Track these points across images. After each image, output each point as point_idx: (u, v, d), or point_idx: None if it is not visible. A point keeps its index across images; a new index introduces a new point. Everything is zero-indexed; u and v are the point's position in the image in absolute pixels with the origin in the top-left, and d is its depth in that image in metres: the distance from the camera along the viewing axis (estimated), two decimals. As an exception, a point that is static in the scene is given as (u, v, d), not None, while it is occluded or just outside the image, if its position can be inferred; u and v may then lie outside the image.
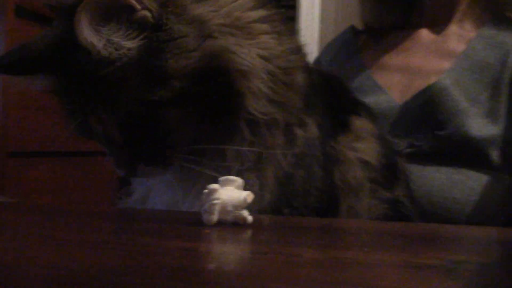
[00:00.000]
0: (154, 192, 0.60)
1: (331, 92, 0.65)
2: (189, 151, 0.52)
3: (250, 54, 0.51)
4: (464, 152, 0.80)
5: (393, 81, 0.91)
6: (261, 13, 0.54)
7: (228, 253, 0.34)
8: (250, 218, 0.42)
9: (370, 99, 0.81)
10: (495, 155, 0.80)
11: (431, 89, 0.82)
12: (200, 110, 0.51)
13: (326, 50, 1.15)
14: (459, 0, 0.92)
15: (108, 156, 0.55)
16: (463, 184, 0.80)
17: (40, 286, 0.25)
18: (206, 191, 0.42)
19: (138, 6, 0.47)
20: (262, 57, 0.52)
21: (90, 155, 1.94)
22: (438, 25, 0.94)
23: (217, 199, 0.41)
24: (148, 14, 0.47)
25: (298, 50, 0.60)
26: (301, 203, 0.56)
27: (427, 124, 0.82)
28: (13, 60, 0.52)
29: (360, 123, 0.65)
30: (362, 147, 0.64)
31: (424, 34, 0.96)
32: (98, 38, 0.47)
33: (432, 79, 0.85)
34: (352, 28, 1.10)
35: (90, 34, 0.46)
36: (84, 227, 0.44)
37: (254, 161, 0.53)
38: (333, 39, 1.15)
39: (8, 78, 0.55)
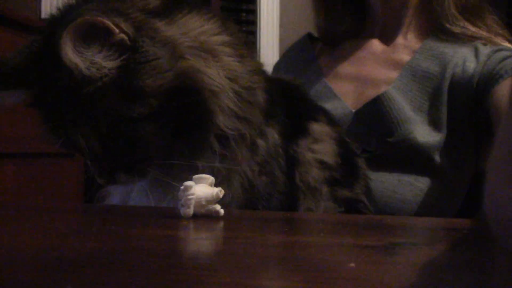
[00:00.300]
0: (132, 198, 0.63)
1: (291, 100, 0.70)
2: (164, 164, 0.57)
3: (219, 75, 0.56)
4: (411, 157, 0.84)
5: (347, 89, 0.94)
6: (224, 38, 0.60)
7: (204, 238, 0.40)
8: (222, 211, 0.48)
9: (327, 106, 0.85)
10: (439, 159, 0.84)
11: (380, 99, 0.85)
12: (174, 125, 0.55)
13: (285, 56, 1.17)
14: (405, 12, 0.94)
15: (89, 166, 0.57)
16: (411, 185, 0.84)
17: (38, 269, 0.29)
18: (182, 187, 0.47)
19: (116, 30, 0.51)
20: (228, 78, 0.57)
21: (55, 157, 1.94)
22: (388, 35, 0.97)
23: (192, 194, 0.47)
24: (125, 37, 0.52)
25: (259, 71, 0.65)
26: (264, 206, 0.62)
27: (378, 131, 0.85)
28: None
29: (317, 127, 0.70)
30: (320, 148, 0.68)
31: (375, 44, 0.98)
32: (81, 59, 0.51)
33: (382, 89, 0.88)
34: (309, 35, 1.12)
35: (74, 56, 0.50)
36: (68, 220, 0.49)
37: (225, 174, 0.58)
38: (291, 46, 1.17)
39: None
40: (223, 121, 0.57)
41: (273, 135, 0.64)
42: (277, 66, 1.17)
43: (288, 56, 1.15)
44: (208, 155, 0.57)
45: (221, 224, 0.46)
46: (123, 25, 0.52)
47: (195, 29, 0.57)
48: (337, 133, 0.73)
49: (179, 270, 0.29)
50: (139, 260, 0.31)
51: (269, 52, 2.65)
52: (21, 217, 0.52)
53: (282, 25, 2.70)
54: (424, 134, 0.83)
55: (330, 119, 0.76)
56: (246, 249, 0.35)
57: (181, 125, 0.56)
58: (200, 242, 0.39)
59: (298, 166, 0.66)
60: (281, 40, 2.68)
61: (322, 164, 0.68)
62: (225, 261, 0.32)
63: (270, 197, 0.63)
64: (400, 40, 0.96)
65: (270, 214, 0.57)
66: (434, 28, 0.93)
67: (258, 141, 0.62)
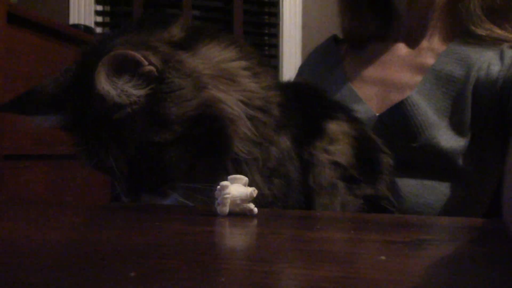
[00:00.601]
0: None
1: (306, 103, 0.73)
2: (185, 186, 0.60)
3: (237, 103, 0.60)
4: (434, 162, 0.84)
5: (372, 92, 0.94)
6: (242, 63, 0.64)
7: (241, 234, 0.43)
8: (255, 209, 0.51)
9: None
10: (463, 164, 0.83)
11: (403, 104, 0.85)
12: (195, 150, 0.59)
13: (309, 58, 1.18)
14: (431, 14, 0.94)
15: (116, 185, 0.62)
16: (434, 189, 0.84)
17: (101, 258, 0.33)
18: (218, 187, 0.50)
19: (146, 62, 0.55)
20: (245, 103, 0.61)
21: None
22: (413, 39, 0.96)
23: (228, 193, 0.50)
24: (153, 69, 0.56)
25: (274, 85, 0.68)
26: (280, 207, 0.64)
27: (401, 136, 0.85)
28: (26, 101, 0.61)
29: (334, 126, 0.71)
30: (335, 149, 0.69)
31: (401, 47, 0.98)
32: (113, 87, 0.55)
33: (406, 93, 0.88)
34: (334, 37, 1.12)
35: (107, 85, 0.55)
36: (112, 216, 0.52)
37: None
38: (315, 48, 1.17)
39: (22, 117, 0.62)
40: (239, 147, 0.61)
41: (286, 141, 0.66)
42: (301, 68, 1.18)
43: (313, 58, 1.16)
44: (223, 178, 0.60)
45: (255, 221, 0.48)
46: (152, 58, 0.56)
47: (215, 57, 0.62)
48: (356, 130, 0.73)
49: (222, 260, 0.32)
50: (188, 251, 0.34)
51: (291, 54, 2.67)
52: (69, 213, 0.56)
53: (304, 27, 2.71)
54: (448, 138, 0.83)
55: (349, 116, 0.76)
56: (280, 244, 0.38)
57: (201, 150, 0.60)
58: (237, 237, 0.42)
59: (312, 168, 0.68)
60: (304, 42, 2.70)
61: (336, 164, 0.69)
62: (260, 253, 0.35)
63: (285, 198, 0.65)
64: (425, 43, 0.95)
65: (302, 212, 0.60)
66: (460, 31, 0.92)
67: (270, 149, 0.65)
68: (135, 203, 0.63)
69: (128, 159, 0.58)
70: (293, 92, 0.72)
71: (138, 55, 0.55)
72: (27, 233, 0.40)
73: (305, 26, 2.71)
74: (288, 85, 0.76)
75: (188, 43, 0.61)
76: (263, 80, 0.66)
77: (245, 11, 2.73)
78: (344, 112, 0.76)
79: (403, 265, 0.32)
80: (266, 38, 2.87)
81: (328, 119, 0.72)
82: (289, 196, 0.66)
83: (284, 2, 2.71)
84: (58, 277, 0.27)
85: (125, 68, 0.55)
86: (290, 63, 2.66)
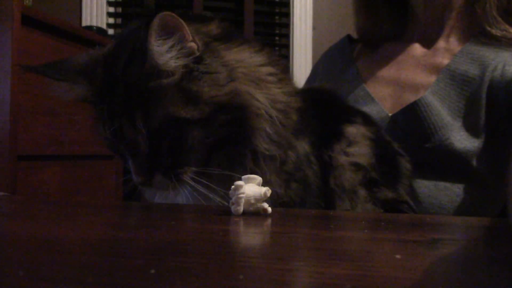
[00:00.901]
0: (171, 199, 0.67)
1: (324, 108, 0.74)
2: (203, 173, 0.61)
3: (264, 100, 0.62)
4: (448, 163, 0.84)
5: (385, 92, 0.94)
6: (270, 69, 0.66)
7: (255, 232, 0.44)
8: (269, 209, 0.51)
9: (363, 109, 0.85)
10: (476, 165, 0.83)
11: (417, 105, 0.85)
12: (217, 137, 0.61)
13: (323, 58, 1.19)
14: (448, 15, 0.94)
15: (129, 164, 0.62)
16: (448, 190, 0.84)
17: (124, 256, 0.33)
18: (233, 187, 0.51)
19: (190, 38, 0.59)
20: (270, 105, 0.63)
21: (96, 159, 2.02)
22: (429, 39, 0.97)
23: (243, 193, 0.50)
24: (195, 46, 0.59)
25: (294, 92, 0.70)
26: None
27: (414, 136, 0.85)
28: (58, 67, 0.63)
29: (353, 129, 0.72)
30: (354, 150, 0.70)
31: (416, 48, 0.98)
32: (159, 50, 0.57)
33: (420, 93, 0.88)
34: (349, 37, 1.13)
35: (156, 45, 0.57)
36: (128, 215, 0.53)
37: None
38: (329, 47, 1.18)
39: (50, 82, 0.63)
40: (259, 140, 0.62)
41: (303, 146, 0.67)
42: (315, 68, 1.19)
43: (327, 57, 1.16)
44: (239, 171, 0.60)
45: (269, 221, 0.49)
46: (196, 37, 0.59)
47: (247, 59, 0.64)
48: (374, 133, 0.74)
49: (239, 258, 0.33)
50: (205, 249, 0.34)
51: (302, 54, 2.68)
52: (86, 212, 0.57)
53: (315, 28, 2.71)
54: (462, 139, 0.83)
55: (367, 120, 0.77)
56: (295, 242, 0.39)
57: (222, 138, 0.61)
58: (253, 235, 0.43)
59: (332, 170, 0.69)
60: (314, 42, 2.70)
61: (357, 166, 0.69)
62: (277, 252, 0.35)
63: (303, 202, 0.66)
64: (441, 43, 0.95)
65: (315, 212, 0.60)
66: (475, 31, 0.92)
67: (288, 153, 0.66)
68: (146, 203, 0.63)
69: (151, 133, 0.59)
70: (311, 98, 0.73)
71: (186, 27, 0.58)
72: (46, 232, 0.41)
73: (315, 27, 2.71)
74: (306, 91, 0.77)
75: (224, 39, 0.64)
76: (285, 86, 0.68)
77: (256, 12, 2.74)
78: (362, 116, 0.77)
79: (419, 263, 0.32)
80: (277, 38, 2.88)
81: (346, 123, 0.73)
82: (306, 201, 0.67)
83: (295, 3, 2.71)
84: (82, 274, 0.28)
85: (170, 37, 0.57)
86: (301, 63, 2.66)
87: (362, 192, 0.69)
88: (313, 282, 0.27)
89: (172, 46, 0.58)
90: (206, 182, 0.60)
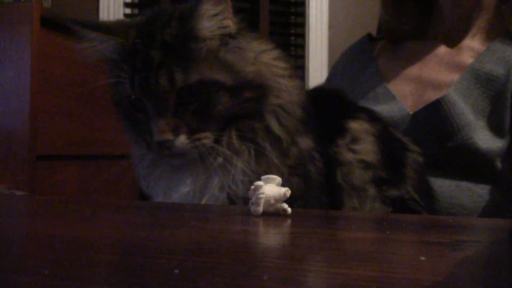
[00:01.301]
0: (175, 184, 0.67)
1: (327, 105, 0.76)
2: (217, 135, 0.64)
3: (280, 86, 0.67)
4: (471, 163, 0.83)
5: (406, 90, 0.94)
6: (283, 64, 0.70)
7: (276, 233, 0.43)
8: (289, 209, 0.51)
9: (383, 107, 0.85)
10: (500, 166, 0.82)
11: (440, 102, 0.84)
12: (241, 109, 0.64)
13: (342, 58, 1.18)
14: (476, 15, 0.94)
15: (153, 122, 0.63)
16: (471, 191, 0.83)
17: (149, 256, 0.34)
18: (252, 187, 0.51)
19: (230, 15, 0.65)
20: (285, 90, 0.68)
21: (112, 159, 2.04)
22: (453, 38, 0.96)
23: (262, 193, 0.50)
24: (231, 23, 0.65)
25: (302, 87, 0.73)
26: (300, 206, 0.65)
27: (436, 135, 0.84)
28: (94, 21, 0.68)
29: (356, 125, 0.72)
30: (360, 147, 0.70)
31: (439, 46, 0.97)
32: (208, 12, 0.62)
33: (443, 91, 0.87)
34: (369, 36, 1.13)
35: (206, 6, 0.62)
36: (148, 215, 0.53)
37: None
38: (349, 47, 1.18)
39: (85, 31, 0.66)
40: (272, 120, 0.65)
41: (306, 141, 0.68)
42: (334, 67, 1.18)
43: (346, 56, 1.16)
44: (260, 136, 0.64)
45: (289, 221, 0.49)
46: (233, 18, 0.65)
47: (268, 50, 0.69)
48: (379, 130, 0.73)
49: (261, 258, 0.33)
50: (227, 250, 0.34)
51: (318, 54, 2.66)
52: (107, 212, 0.57)
53: (331, 27, 2.70)
54: (485, 139, 0.82)
55: (371, 117, 0.77)
56: (316, 243, 0.38)
57: (243, 113, 0.64)
58: (273, 236, 0.42)
59: (339, 166, 0.69)
60: (330, 42, 2.68)
61: (365, 163, 0.69)
62: (298, 252, 0.35)
63: (305, 197, 0.66)
64: (466, 42, 0.94)
65: (336, 213, 0.60)
66: (501, 31, 0.91)
67: (290, 147, 0.67)
68: (164, 203, 0.63)
69: (180, 90, 0.61)
70: (315, 96, 0.75)
71: (230, 3, 0.63)
72: (69, 231, 0.42)
73: (331, 26, 2.70)
74: (312, 89, 0.80)
75: (249, 30, 0.69)
76: (294, 81, 0.70)
77: (271, 11, 2.74)
78: (366, 113, 0.77)
79: (443, 266, 0.31)
80: (292, 38, 2.87)
81: (349, 119, 0.73)
82: (308, 196, 0.66)
83: (310, 2, 2.70)
84: (106, 274, 0.28)
85: (216, 7, 0.63)
86: (317, 63, 2.65)
87: (371, 191, 0.68)
88: (338, 283, 0.27)
89: (215, 15, 0.63)
90: (228, 151, 0.63)
